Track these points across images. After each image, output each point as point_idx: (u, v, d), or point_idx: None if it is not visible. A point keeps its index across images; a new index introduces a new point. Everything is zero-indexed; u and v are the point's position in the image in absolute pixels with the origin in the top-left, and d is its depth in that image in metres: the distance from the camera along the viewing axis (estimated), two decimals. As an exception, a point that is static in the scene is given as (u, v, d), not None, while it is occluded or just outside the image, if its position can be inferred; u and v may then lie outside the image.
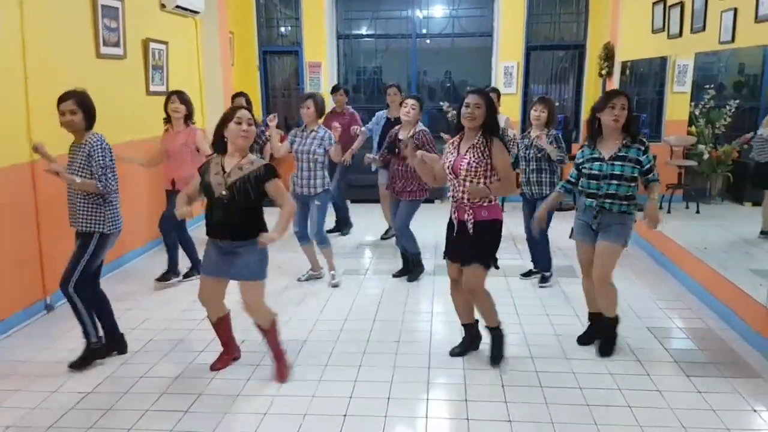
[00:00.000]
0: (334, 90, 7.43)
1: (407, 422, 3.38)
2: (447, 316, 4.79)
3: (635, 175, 3.87)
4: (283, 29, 9.68)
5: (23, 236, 4.76)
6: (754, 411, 3.43)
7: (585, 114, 9.08)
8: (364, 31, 9.97)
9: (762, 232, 4.89)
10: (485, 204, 3.81)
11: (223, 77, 8.08)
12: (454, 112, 9.02)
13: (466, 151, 3.80)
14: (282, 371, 3.83)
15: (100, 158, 3.89)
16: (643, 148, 3.88)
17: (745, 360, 4.02)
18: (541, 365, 3.97)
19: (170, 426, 3.32)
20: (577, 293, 5.21)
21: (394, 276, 5.77)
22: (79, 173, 3.85)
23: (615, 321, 4.13)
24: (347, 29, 9.83)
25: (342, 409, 3.46)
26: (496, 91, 7.00)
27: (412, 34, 9.59)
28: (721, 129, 5.50)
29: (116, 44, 5.83)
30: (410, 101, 5.48)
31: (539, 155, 5.27)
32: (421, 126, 5.55)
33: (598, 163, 3.93)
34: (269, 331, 3.82)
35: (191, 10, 7.20)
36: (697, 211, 5.75)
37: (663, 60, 6.43)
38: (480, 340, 4.21)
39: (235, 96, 6.83)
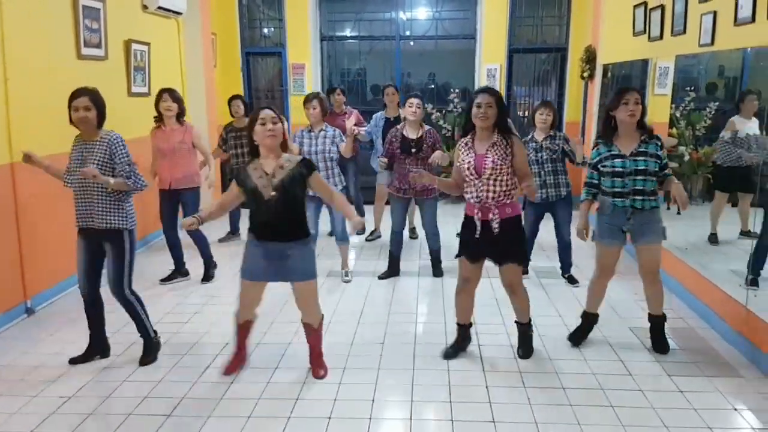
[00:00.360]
0: (331, 91, 7.43)
1: (392, 424, 3.38)
2: (431, 317, 4.81)
3: (656, 170, 3.91)
4: (266, 30, 9.65)
5: (3, 239, 4.69)
6: (735, 410, 3.47)
7: (568, 116, 9.15)
8: (348, 32, 9.97)
9: (741, 233, 4.96)
10: (508, 201, 3.83)
11: (206, 78, 8.05)
12: (438, 114, 9.07)
13: (487, 151, 3.79)
14: (321, 369, 3.90)
15: (125, 156, 3.89)
16: (660, 144, 3.94)
17: (725, 359, 4.06)
18: (525, 366, 3.99)
19: (153, 430, 3.29)
20: (559, 294, 5.26)
21: (380, 278, 5.78)
22: (102, 166, 3.79)
23: (664, 318, 4.21)
24: (331, 31, 9.81)
25: (326, 411, 3.45)
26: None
27: (395, 36, 9.60)
28: (701, 131, 5.56)
29: (98, 45, 5.78)
30: (414, 101, 5.51)
31: (554, 156, 5.31)
32: (426, 126, 5.66)
33: (620, 159, 3.95)
34: (317, 330, 3.89)
35: (173, 11, 7.16)
36: (678, 212, 5.77)
37: (644, 62, 6.48)
38: (469, 341, 4.23)
39: (231, 99, 6.90)
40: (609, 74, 7.67)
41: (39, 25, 5.01)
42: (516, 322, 4.20)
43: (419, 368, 3.97)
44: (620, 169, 3.93)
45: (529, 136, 5.43)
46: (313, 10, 9.33)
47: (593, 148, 4.14)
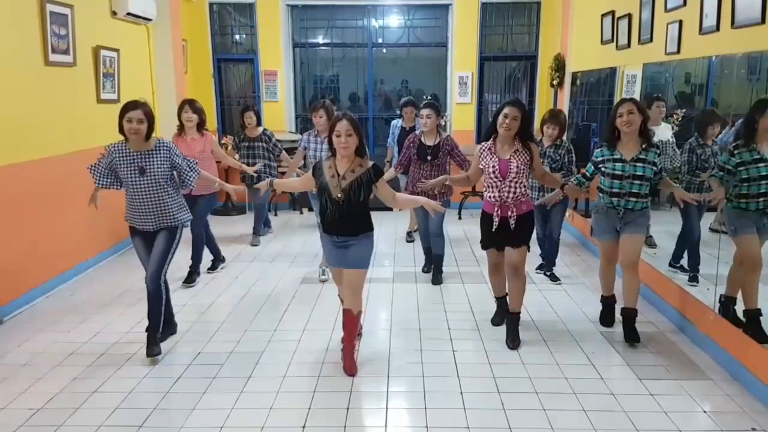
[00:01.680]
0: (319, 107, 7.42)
1: (366, 432, 3.38)
2: (406, 324, 4.81)
3: (652, 176, 4.26)
4: (237, 37, 9.61)
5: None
6: (704, 412, 3.53)
7: (538, 123, 9.25)
8: (320, 39, 9.96)
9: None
10: (524, 199, 4.29)
11: (176, 85, 7.97)
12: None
13: (511, 157, 4.22)
14: (352, 366, 4.02)
15: (180, 157, 4.21)
16: (658, 152, 4.28)
17: (694, 362, 4.13)
18: (498, 371, 4.01)
19: (124, 442, 3.24)
20: (531, 299, 5.29)
21: (425, 271, 6.09)
22: (162, 174, 4.08)
23: (636, 312, 4.46)
24: (303, 38, 9.80)
25: (300, 420, 3.43)
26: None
27: (368, 44, 9.62)
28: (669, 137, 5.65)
29: (66, 51, 5.69)
30: (425, 111, 5.58)
31: (554, 165, 5.54)
32: (444, 132, 5.78)
33: (621, 164, 4.29)
34: (355, 318, 4.07)
35: (143, 18, 7.09)
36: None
37: (612, 70, 6.59)
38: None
39: (243, 110, 7.00)
40: (578, 82, 7.78)
41: (4, 31, 4.91)
42: (508, 311, 4.50)
43: (393, 375, 3.97)
44: (620, 173, 4.29)
45: (539, 142, 5.59)
46: (285, 17, 9.32)
47: (597, 148, 4.46)
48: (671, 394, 3.71)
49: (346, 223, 3.87)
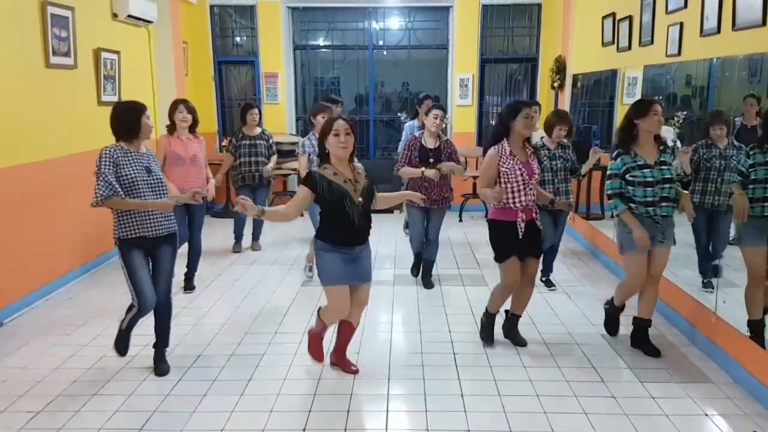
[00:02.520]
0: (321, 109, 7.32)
1: (367, 435, 3.37)
2: (407, 326, 4.80)
3: (675, 177, 4.15)
4: (238, 39, 9.62)
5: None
6: (706, 415, 3.52)
7: (541, 125, 9.25)
8: (321, 42, 9.98)
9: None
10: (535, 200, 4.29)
11: (177, 87, 7.97)
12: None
13: (530, 159, 4.19)
14: (352, 365, 4.07)
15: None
16: (670, 152, 4.20)
17: (696, 365, 4.12)
18: (499, 374, 4.00)
19: (124, 445, 3.24)
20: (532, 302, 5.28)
21: (414, 274, 6.01)
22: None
23: (650, 323, 4.38)
24: (304, 40, 9.81)
25: (301, 423, 3.42)
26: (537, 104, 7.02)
27: (369, 46, 9.63)
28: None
29: (66, 54, 5.69)
30: (439, 112, 5.50)
31: (567, 165, 5.45)
32: (444, 135, 5.72)
33: (648, 170, 4.07)
34: (354, 330, 4.05)
35: (144, 20, 7.09)
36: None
37: (613, 72, 6.59)
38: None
39: (248, 108, 6.89)
40: (579, 84, 7.78)
41: (5, 33, 4.91)
42: (513, 314, 4.48)
43: (394, 378, 3.96)
44: (650, 179, 4.06)
45: (540, 144, 5.43)
46: (285, 20, 9.33)
47: (615, 159, 4.20)
48: (673, 397, 3.70)
49: (365, 229, 3.73)
